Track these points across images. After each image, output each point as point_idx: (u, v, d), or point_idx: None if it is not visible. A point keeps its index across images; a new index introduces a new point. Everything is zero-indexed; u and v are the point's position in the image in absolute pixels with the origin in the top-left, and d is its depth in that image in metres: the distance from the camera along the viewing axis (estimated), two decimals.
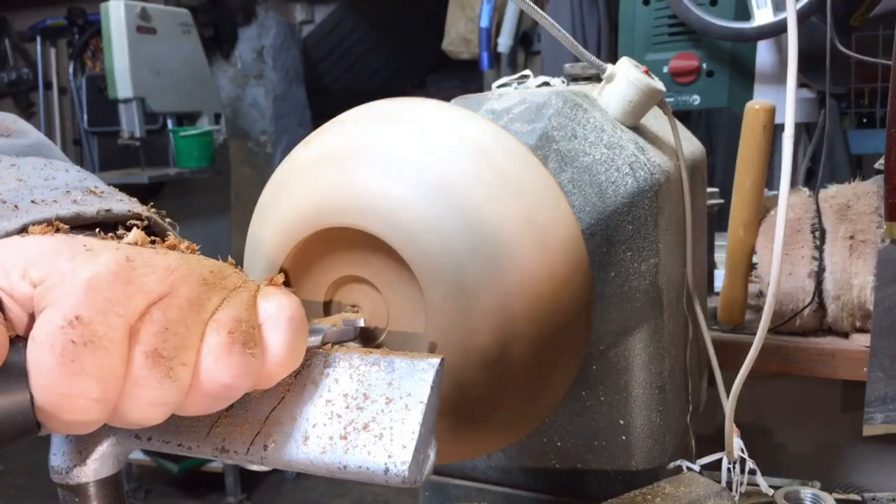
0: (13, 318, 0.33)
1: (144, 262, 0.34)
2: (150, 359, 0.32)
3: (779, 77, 1.36)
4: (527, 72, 0.71)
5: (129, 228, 0.39)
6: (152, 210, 0.42)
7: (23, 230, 0.37)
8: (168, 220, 0.43)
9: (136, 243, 0.37)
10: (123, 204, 0.41)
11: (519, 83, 0.69)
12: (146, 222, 0.41)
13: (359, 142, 0.49)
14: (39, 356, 0.31)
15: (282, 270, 0.49)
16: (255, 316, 0.36)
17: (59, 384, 0.30)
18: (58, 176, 0.43)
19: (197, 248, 0.39)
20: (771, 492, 0.70)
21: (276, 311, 0.36)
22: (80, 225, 0.39)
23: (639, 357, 0.62)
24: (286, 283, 0.47)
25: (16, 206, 0.39)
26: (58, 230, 0.37)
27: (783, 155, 0.56)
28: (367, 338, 0.49)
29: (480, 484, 0.69)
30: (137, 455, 2.83)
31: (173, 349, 0.33)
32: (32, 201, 0.39)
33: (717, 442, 0.67)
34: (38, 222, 0.37)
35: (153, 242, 0.37)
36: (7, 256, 0.34)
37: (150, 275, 0.33)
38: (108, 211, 0.40)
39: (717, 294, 1.06)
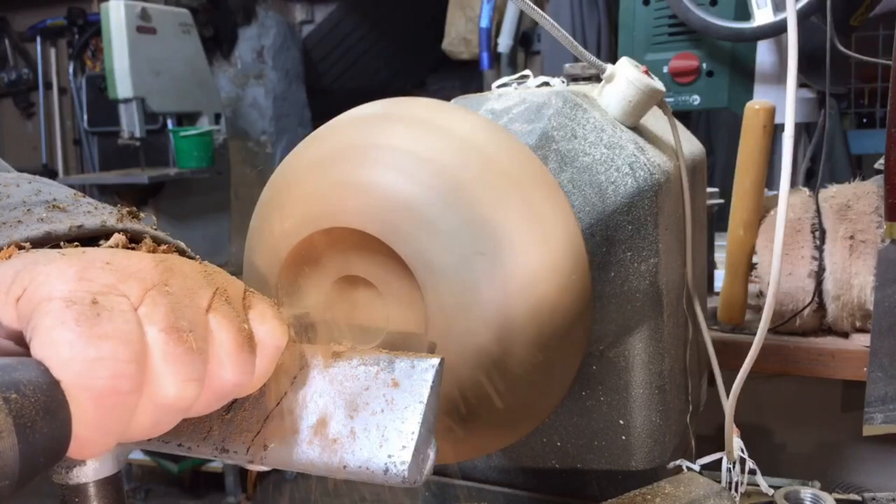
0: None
1: (127, 256, 0.34)
2: (172, 333, 0.31)
3: (779, 77, 1.36)
4: (527, 72, 0.71)
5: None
6: (124, 212, 0.40)
7: None
8: (142, 215, 0.41)
9: (116, 246, 0.36)
10: (93, 217, 0.39)
11: (519, 83, 0.69)
12: (125, 235, 0.38)
13: (358, 142, 0.49)
14: (56, 334, 0.28)
15: (282, 271, 0.49)
16: (247, 319, 0.36)
17: (84, 349, 0.28)
18: (11, 192, 0.40)
19: (174, 249, 0.39)
20: (771, 492, 0.70)
21: (267, 338, 0.36)
22: (52, 246, 0.36)
23: (639, 357, 0.62)
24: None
25: None
26: (20, 248, 0.34)
27: (783, 155, 0.56)
28: (367, 338, 0.49)
29: (480, 484, 0.69)
30: (137, 455, 2.82)
31: (189, 324, 0.32)
32: None
33: (717, 442, 0.67)
34: (2, 248, 0.35)
35: (132, 248, 0.37)
36: None
37: (138, 265, 0.33)
38: (79, 227, 0.37)
39: (717, 294, 1.06)
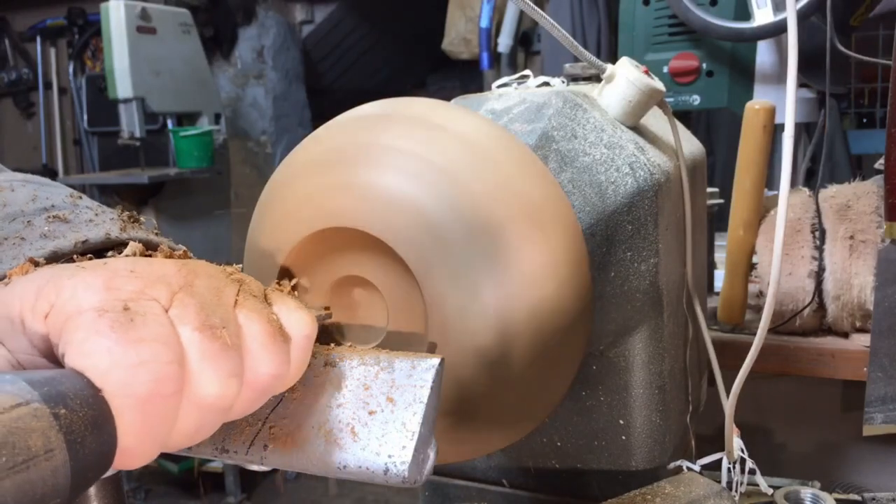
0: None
1: (149, 263, 0.34)
2: (205, 331, 0.31)
3: (779, 77, 1.36)
4: (527, 72, 0.71)
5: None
6: (125, 217, 0.40)
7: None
8: (143, 218, 0.41)
9: (134, 254, 0.36)
10: (96, 226, 0.38)
11: (519, 83, 0.69)
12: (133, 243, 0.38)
13: (358, 142, 0.49)
14: (92, 343, 0.28)
15: (282, 272, 0.49)
16: (273, 313, 0.36)
17: (124, 355, 0.28)
18: (7, 200, 0.39)
19: (190, 254, 0.39)
20: (771, 492, 0.70)
21: (298, 328, 0.36)
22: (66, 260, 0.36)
23: (639, 357, 0.62)
24: (293, 286, 0.47)
25: None
26: (36, 265, 0.34)
27: (783, 155, 0.56)
28: (368, 338, 0.49)
29: (480, 484, 0.69)
30: None
31: (220, 321, 0.32)
32: None
33: (717, 442, 0.67)
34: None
35: (149, 255, 0.37)
36: (1, 308, 0.31)
37: (161, 270, 0.33)
38: (84, 242, 0.37)
39: (717, 294, 1.06)
